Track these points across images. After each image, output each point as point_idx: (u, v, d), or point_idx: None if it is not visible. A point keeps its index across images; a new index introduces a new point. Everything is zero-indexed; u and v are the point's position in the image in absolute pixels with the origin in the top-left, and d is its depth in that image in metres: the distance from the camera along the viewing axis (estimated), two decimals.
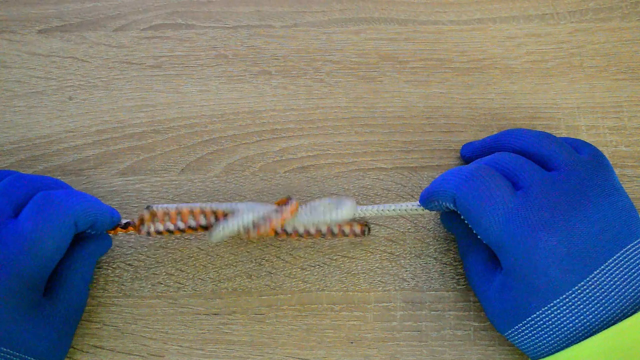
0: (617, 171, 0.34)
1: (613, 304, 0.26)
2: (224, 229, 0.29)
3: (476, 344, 0.31)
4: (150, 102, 0.36)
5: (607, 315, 0.26)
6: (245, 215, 0.29)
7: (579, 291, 0.26)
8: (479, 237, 0.28)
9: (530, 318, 0.27)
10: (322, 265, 0.33)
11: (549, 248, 0.26)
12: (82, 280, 0.30)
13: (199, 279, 0.32)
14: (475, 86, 0.36)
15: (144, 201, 0.34)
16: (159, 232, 0.30)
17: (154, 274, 0.32)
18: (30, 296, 0.27)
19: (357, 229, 0.31)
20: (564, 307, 0.26)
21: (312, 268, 0.32)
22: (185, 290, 0.32)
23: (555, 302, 0.26)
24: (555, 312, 0.26)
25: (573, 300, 0.26)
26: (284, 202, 0.30)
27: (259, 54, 0.37)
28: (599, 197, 0.27)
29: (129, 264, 0.32)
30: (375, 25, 0.38)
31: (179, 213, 0.30)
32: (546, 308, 0.26)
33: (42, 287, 0.27)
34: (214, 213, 0.30)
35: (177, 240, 0.33)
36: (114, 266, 0.32)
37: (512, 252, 0.27)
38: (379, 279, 0.32)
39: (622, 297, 0.26)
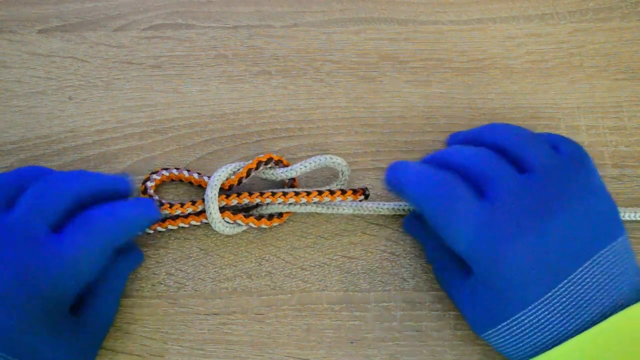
0: (616, 171, 0.34)
1: (582, 314, 0.25)
2: (217, 180, 0.30)
3: (476, 344, 0.31)
4: (150, 102, 0.36)
5: (575, 324, 0.25)
6: (226, 167, 0.31)
7: (546, 302, 0.26)
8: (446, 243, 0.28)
9: (499, 326, 0.27)
10: (322, 265, 0.33)
11: (516, 259, 0.26)
12: (112, 297, 0.30)
13: (199, 279, 0.32)
14: (475, 86, 0.36)
15: None
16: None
17: (154, 274, 0.32)
18: (58, 313, 0.26)
19: (356, 190, 0.32)
20: (532, 318, 0.26)
21: (312, 268, 0.32)
22: (185, 290, 0.32)
23: (522, 312, 0.26)
24: (523, 323, 0.26)
25: (540, 312, 0.26)
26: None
27: (259, 54, 0.37)
28: (573, 201, 0.26)
29: None
30: (375, 25, 0.38)
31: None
32: (514, 318, 0.26)
33: (70, 304, 0.27)
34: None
35: (177, 240, 0.33)
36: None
37: (480, 263, 0.27)
38: (379, 279, 0.32)
39: (591, 305, 0.25)
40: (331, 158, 0.31)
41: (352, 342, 0.31)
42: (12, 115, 0.36)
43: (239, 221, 0.31)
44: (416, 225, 0.32)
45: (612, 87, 0.36)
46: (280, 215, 0.32)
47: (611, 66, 0.37)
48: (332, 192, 0.31)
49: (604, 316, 0.25)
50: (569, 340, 0.25)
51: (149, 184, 0.33)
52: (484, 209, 0.26)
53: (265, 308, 0.32)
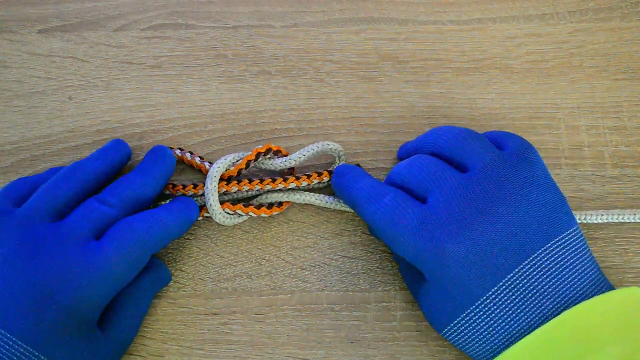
0: (616, 171, 0.34)
1: (534, 307, 0.26)
2: (216, 171, 0.31)
3: None
4: (150, 102, 0.36)
5: (529, 319, 0.26)
6: (228, 156, 0.32)
7: (493, 296, 0.26)
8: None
9: (453, 324, 0.27)
10: (322, 265, 0.33)
11: (458, 258, 0.26)
12: (137, 315, 0.30)
13: (199, 279, 0.32)
14: (475, 86, 0.36)
15: None
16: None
17: None
18: (87, 320, 0.27)
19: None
20: (481, 313, 0.26)
21: (312, 268, 0.32)
22: (185, 290, 0.32)
23: (471, 308, 0.26)
24: (474, 318, 0.26)
25: (488, 306, 0.26)
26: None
27: (259, 54, 0.37)
28: (516, 196, 0.27)
29: None
30: (375, 25, 0.38)
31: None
32: (464, 314, 0.27)
33: (98, 315, 0.28)
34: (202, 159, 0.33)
35: (177, 240, 0.33)
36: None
37: (426, 266, 0.27)
38: (379, 279, 0.32)
39: (543, 299, 0.26)
40: (328, 144, 0.32)
41: (352, 342, 0.31)
42: (12, 115, 0.36)
43: (238, 211, 0.31)
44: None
45: (612, 87, 0.36)
46: (280, 204, 0.32)
47: (611, 66, 0.37)
48: (319, 174, 0.32)
49: (559, 310, 0.25)
50: (524, 338, 0.25)
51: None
52: (424, 213, 0.27)
53: (265, 308, 0.32)
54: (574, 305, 0.25)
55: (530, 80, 0.36)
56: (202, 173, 0.33)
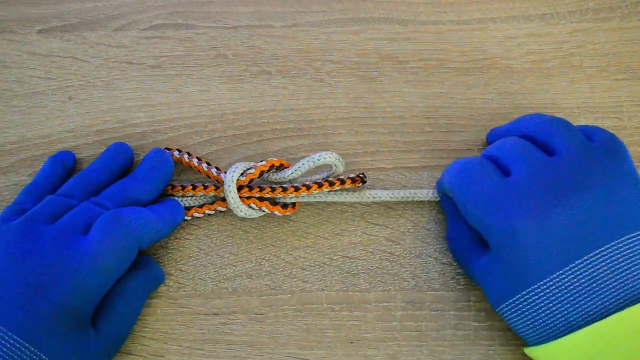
0: None
1: (597, 297, 0.26)
2: (236, 170, 0.31)
3: (476, 343, 0.31)
4: (150, 102, 0.36)
5: (589, 308, 0.26)
6: (240, 163, 0.32)
7: (557, 279, 0.26)
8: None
9: (512, 300, 0.27)
10: (322, 265, 0.33)
11: (529, 235, 0.26)
12: (131, 313, 0.30)
13: (199, 279, 0.32)
14: (475, 86, 0.36)
15: None
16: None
17: None
18: (80, 314, 0.27)
19: (354, 179, 0.32)
20: (542, 294, 0.26)
21: (312, 268, 0.32)
22: (185, 290, 0.32)
23: (533, 287, 0.26)
24: (534, 298, 0.26)
25: (551, 288, 0.26)
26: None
27: (259, 54, 0.37)
28: (597, 186, 0.27)
29: None
30: (375, 25, 0.38)
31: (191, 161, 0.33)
32: (525, 292, 0.27)
33: (92, 309, 0.28)
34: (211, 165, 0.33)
35: (177, 240, 0.33)
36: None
37: (495, 237, 0.27)
38: (379, 279, 0.32)
39: (603, 290, 0.26)
40: (318, 158, 0.31)
41: (352, 342, 0.31)
42: (12, 115, 0.36)
43: (264, 208, 0.31)
44: (448, 199, 0.32)
45: (612, 87, 0.36)
46: (293, 204, 0.33)
47: (611, 66, 0.37)
48: (331, 183, 0.32)
49: (622, 305, 0.25)
50: (582, 329, 0.25)
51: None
52: (504, 185, 0.28)
53: (265, 308, 0.32)
54: (629, 306, 0.25)
55: (530, 80, 0.36)
56: (201, 174, 0.33)
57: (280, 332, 0.31)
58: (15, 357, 0.25)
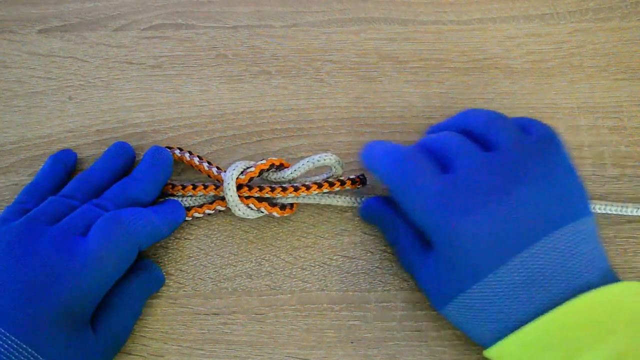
0: (617, 171, 0.34)
1: (539, 289, 0.26)
2: (235, 169, 0.31)
3: (476, 343, 0.31)
4: (150, 102, 0.36)
5: (535, 301, 0.26)
6: (240, 162, 0.31)
7: (501, 275, 0.26)
8: (408, 218, 0.29)
9: (456, 299, 0.27)
10: (322, 265, 0.33)
11: (470, 232, 0.26)
12: (130, 315, 0.30)
13: (199, 279, 0.32)
14: (475, 86, 0.36)
15: None
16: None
17: None
18: (79, 316, 0.27)
19: (354, 180, 0.32)
20: (488, 290, 0.26)
21: (312, 268, 0.32)
22: (185, 290, 0.32)
23: (477, 284, 0.26)
24: (478, 295, 0.26)
25: (495, 284, 0.26)
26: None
27: (259, 54, 0.37)
28: (536, 178, 0.27)
29: None
30: (375, 25, 0.38)
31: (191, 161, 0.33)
32: (470, 290, 0.27)
33: (92, 311, 0.28)
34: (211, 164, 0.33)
35: (177, 240, 0.33)
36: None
37: (437, 235, 0.27)
38: (379, 279, 0.32)
39: (544, 283, 0.26)
40: (318, 160, 0.31)
41: (352, 342, 0.31)
42: (12, 115, 0.36)
43: (262, 209, 0.31)
44: (376, 213, 0.32)
45: (612, 87, 0.36)
46: (292, 206, 0.33)
47: (611, 66, 0.37)
48: (331, 184, 0.32)
49: (566, 297, 0.25)
50: (529, 324, 0.25)
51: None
52: (444, 182, 0.27)
53: (265, 308, 0.32)
54: (581, 294, 0.25)
55: (530, 80, 0.36)
56: (202, 173, 0.33)
57: (280, 332, 0.31)
58: (14, 358, 0.25)
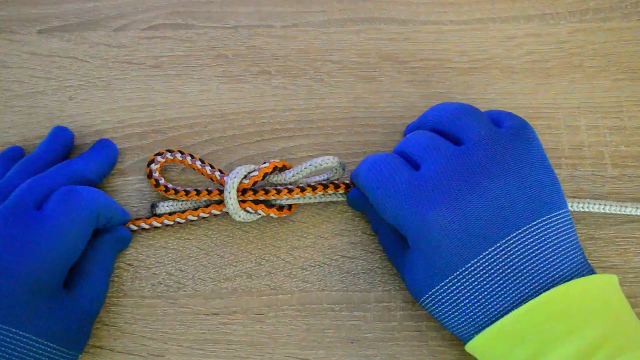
0: (616, 171, 0.34)
1: (511, 282, 0.26)
2: (236, 176, 0.31)
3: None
4: (150, 102, 0.36)
5: (506, 294, 0.26)
6: (242, 167, 0.31)
7: (472, 268, 0.26)
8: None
9: (432, 291, 0.27)
10: (322, 265, 0.33)
11: (440, 226, 0.26)
12: (101, 272, 0.30)
13: (199, 279, 0.32)
14: (475, 86, 0.36)
15: (145, 201, 0.34)
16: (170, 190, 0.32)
17: (153, 274, 0.32)
18: (51, 284, 0.27)
19: (348, 182, 0.33)
20: (459, 284, 0.26)
21: (312, 268, 0.32)
22: (185, 290, 0.32)
23: (450, 278, 0.27)
24: (452, 288, 0.27)
25: (467, 277, 0.26)
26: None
27: (259, 54, 0.37)
28: (508, 171, 0.27)
29: (128, 264, 0.32)
30: (375, 25, 0.38)
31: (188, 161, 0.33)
32: (443, 283, 0.27)
33: (63, 278, 0.28)
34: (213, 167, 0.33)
35: (177, 241, 0.33)
36: (114, 266, 0.32)
37: (409, 231, 0.28)
38: (379, 279, 0.32)
39: (518, 275, 0.26)
40: (320, 163, 0.31)
41: (352, 342, 0.31)
42: (12, 115, 0.36)
43: (248, 208, 0.31)
44: (358, 201, 0.32)
45: (612, 87, 0.36)
46: (289, 207, 0.33)
47: (611, 66, 0.37)
48: (325, 187, 0.32)
49: (540, 290, 0.26)
50: (503, 318, 0.25)
51: (153, 166, 0.32)
52: (415, 179, 0.28)
53: (265, 308, 0.32)
54: (552, 287, 0.25)
55: (531, 80, 0.36)
56: (204, 176, 0.33)
57: (280, 332, 0.31)
58: None
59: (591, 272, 0.27)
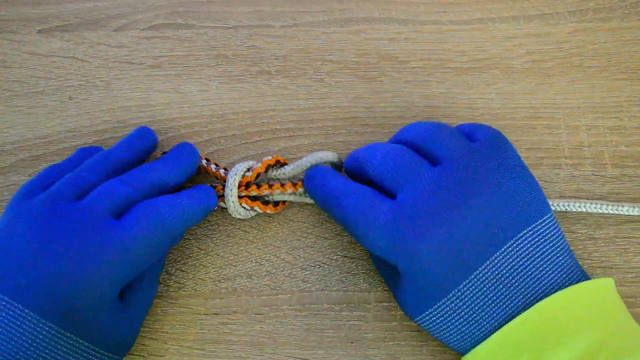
0: (616, 171, 0.34)
1: (504, 297, 0.26)
2: (237, 173, 0.31)
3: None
4: (150, 102, 0.36)
5: (499, 309, 0.26)
6: (242, 164, 0.31)
7: (464, 289, 0.26)
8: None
9: (426, 313, 0.27)
10: (322, 265, 0.33)
11: (429, 254, 0.26)
12: (154, 278, 0.30)
13: (199, 279, 0.32)
14: (475, 86, 0.36)
15: None
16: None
17: None
18: (112, 296, 0.27)
19: None
20: (453, 305, 0.26)
21: (312, 268, 0.32)
22: (185, 290, 0.32)
23: (443, 300, 0.26)
24: (446, 310, 0.27)
25: (460, 298, 0.26)
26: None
27: (259, 54, 0.37)
28: (487, 186, 0.26)
29: None
30: (375, 25, 0.38)
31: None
32: (436, 306, 0.27)
33: (119, 291, 0.28)
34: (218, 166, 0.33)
35: None
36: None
37: (397, 262, 0.27)
38: (379, 279, 0.32)
39: (509, 291, 0.26)
40: (321, 157, 0.31)
41: (352, 342, 0.31)
42: (12, 115, 0.36)
43: (244, 205, 0.31)
44: None
45: (612, 87, 0.36)
46: (284, 201, 0.33)
47: (611, 66, 0.37)
48: None
49: (532, 301, 0.26)
50: (495, 333, 0.25)
51: None
52: (394, 209, 0.27)
53: (265, 308, 0.32)
54: (545, 297, 0.25)
55: (530, 80, 0.36)
56: (209, 175, 0.33)
57: (280, 332, 0.31)
58: (58, 347, 0.25)
59: (583, 275, 0.27)
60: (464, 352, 0.27)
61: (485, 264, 0.26)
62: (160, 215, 0.28)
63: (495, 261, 0.26)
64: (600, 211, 0.32)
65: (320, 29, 0.38)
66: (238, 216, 0.32)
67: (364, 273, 0.32)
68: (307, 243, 0.33)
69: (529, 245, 0.26)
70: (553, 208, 0.32)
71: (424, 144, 0.29)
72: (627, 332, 0.25)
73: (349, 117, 0.36)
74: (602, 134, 0.35)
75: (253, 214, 0.32)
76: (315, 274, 0.32)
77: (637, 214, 0.32)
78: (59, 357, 0.25)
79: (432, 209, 0.26)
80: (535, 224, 0.26)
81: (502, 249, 0.26)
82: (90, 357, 0.26)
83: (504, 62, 0.37)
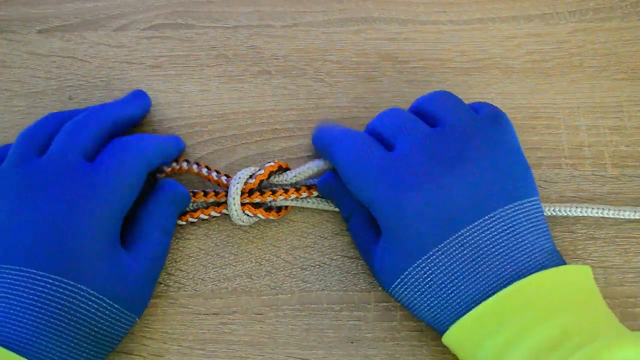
0: (616, 171, 0.34)
1: (481, 267, 0.26)
2: (239, 181, 0.31)
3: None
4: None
5: (477, 276, 0.26)
6: (244, 170, 0.32)
7: (445, 249, 0.26)
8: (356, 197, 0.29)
9: (402, 276, 0.27)
10: (322, 265, 0.33)
11: (417, 207, 0.26)
12: (161, 233, 0.30)
13: (199, 279, 0.32)
14: (475, 86, 0.36)
15: None
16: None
17: None
18: (108, 240, 0.27)
19: None
20: (432, 265, 0.26)
21: (312, 268, 0.32)
22: (185, 290, 0.32)
23: (422, 259, 0.26)
24: (424, 270, 0.27)
25: (440, 257, 0.26)
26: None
27: (259, 54, 0.37)
28: (481, 155, 0.27)
29: None
30: (375, 25, 0.38)
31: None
32: (415, 265, 0.27)
33: (118, 232, 0.28)
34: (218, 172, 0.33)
35: (177, 240, 0.33)
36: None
37: (383, 212, 0.27)
38: None
39: (490, 260, 0.26)
40: (324, 164, 0.32)
41: (352, 342, 0.31)
42: (12, 115, 0.36)
43: (247, 212, 0.31)
44: (332, 186, 0.32)
45: (612, 87, 0.36)
46: (286, 207, 0.33)
47: (611, 66, 0.37)
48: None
49: (511, 276, 0.26)
50: (476, 307, 0.25)
51: (158, 176, 0.33)
52: (388, 159, 0.28)
53: (265, 308, 0.32)
54: (523, 276, 0.26)
55: (530, 80, 0.36)
56: (210, 182, 0.33)
57: (280, 332, 0.31)
58: (63, 296, 0.25)
59: (562, 261, 0.27)
60: (441, 330, 0.27)
61: (467, 227, 0.26)
62: (129, 148, 0.29)
63: (478, 227, 0.26)
64: (600, 215, 0.32)
65: (320, 29, 0.38)
66: (241, 223, 0.32)
67: (364, 273, 0.32)
68: (307, 243, 0.33)
69: (512, 220, 0.26)
70: (554, 213, 0.32)
71: (428, 108, 0.30)
72: (601, 316, 0.26)
73: (349, 117, 0.36)
74: (602, 134, 0.35)
75: (256, 220, 0.32)
76: (315, 274, 0.32)
77: (638, 217, 0.32)
78: (72, 309, 0.26)
79: (424, 163, 0.27)
80: (522, 201, 0.27)
81: (486, 217, 0.26)
82: (103, 309, 0.27)
83: (504, 62, 0.37)
